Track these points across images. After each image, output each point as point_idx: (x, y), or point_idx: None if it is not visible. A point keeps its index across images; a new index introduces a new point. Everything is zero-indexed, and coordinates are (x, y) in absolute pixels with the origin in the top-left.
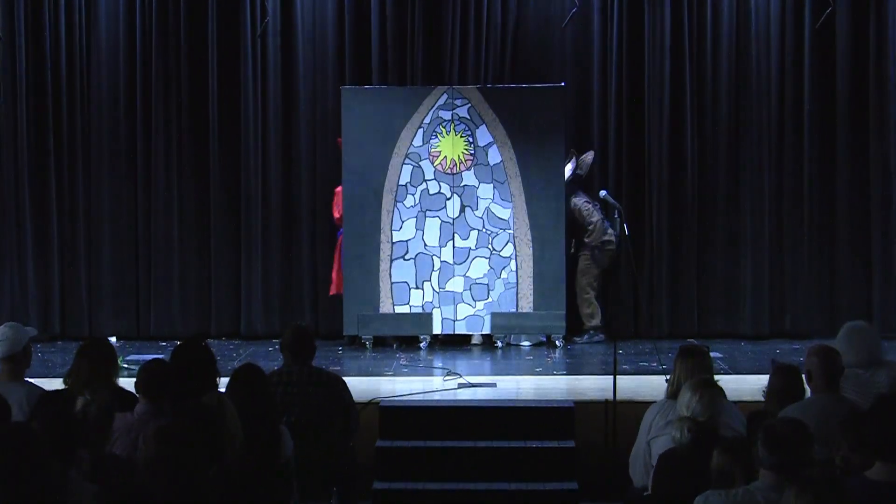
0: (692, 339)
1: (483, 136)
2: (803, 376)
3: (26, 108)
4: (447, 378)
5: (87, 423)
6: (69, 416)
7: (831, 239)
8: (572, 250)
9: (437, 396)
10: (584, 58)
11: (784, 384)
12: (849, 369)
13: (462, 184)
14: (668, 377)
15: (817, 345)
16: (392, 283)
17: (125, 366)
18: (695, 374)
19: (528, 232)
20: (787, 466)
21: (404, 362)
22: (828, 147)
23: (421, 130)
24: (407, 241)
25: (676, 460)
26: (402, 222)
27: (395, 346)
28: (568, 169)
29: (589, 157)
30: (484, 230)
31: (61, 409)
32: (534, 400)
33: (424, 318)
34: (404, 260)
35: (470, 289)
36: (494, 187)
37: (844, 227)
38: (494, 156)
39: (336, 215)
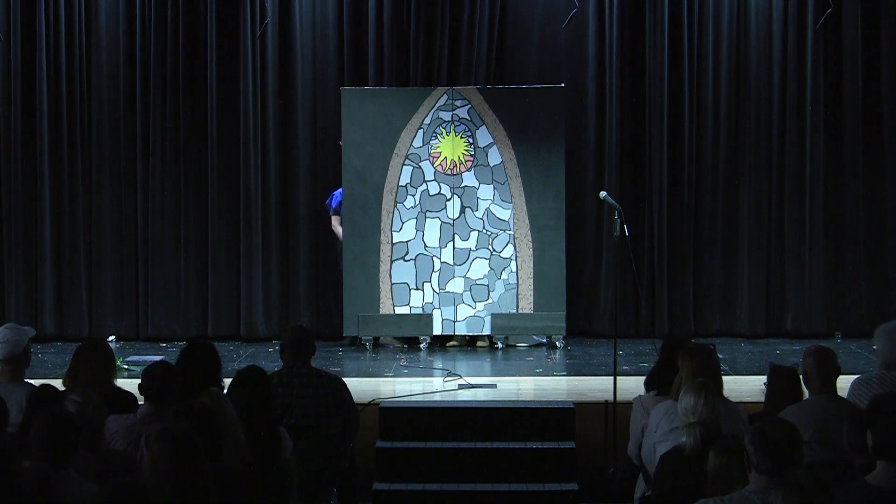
0: (694, 339)
1: (483, 136)
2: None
3: (25, 109)
4: (447, 379)
5: (83, 424)
6: (67, 416)
7: (832, 239)
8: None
9: (437, 397)
10: (582, 58)
11: (782, 386)
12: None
13: (462, 185)
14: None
15: (813, 346)
16: (392, 284)
17: (125, 367)
18: (702, 373)
19: (529, 233)
20: (779, 468)
21: (404, 363)
22: (830, 147)
23: (421, 131)
24: (407, 241)
25: (678, 461)
26: (403, 223)
27: (402, 347)
28: None
29: None
30: (484, 231)
31: (58, 409)
32: (534, 401)
33: (425, 319)
34: (404, 261)
35: (470, 290)
36: (494, 188)
37: (847, 227)
38: (494, 157)
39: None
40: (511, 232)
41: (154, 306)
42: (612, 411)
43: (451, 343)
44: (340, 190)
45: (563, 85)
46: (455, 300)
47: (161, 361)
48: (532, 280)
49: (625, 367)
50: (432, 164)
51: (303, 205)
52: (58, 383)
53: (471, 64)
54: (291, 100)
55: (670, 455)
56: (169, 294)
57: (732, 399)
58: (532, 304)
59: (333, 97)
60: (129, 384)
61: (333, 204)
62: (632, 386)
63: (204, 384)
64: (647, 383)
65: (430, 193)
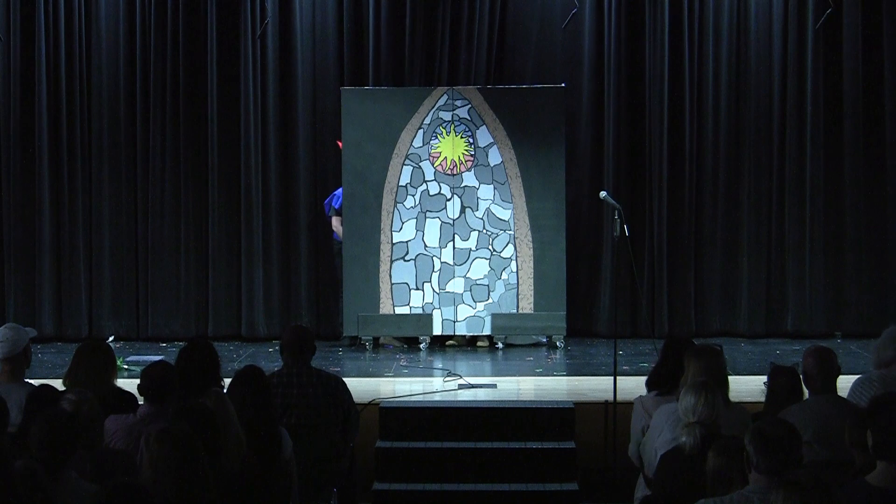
0: (695, 340)
1: (483, 136)
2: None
3: (26, 109)
4: (447, 379)
5: (81, 423)
6: (66, 416)
7: (832, 239)
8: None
9: (437, 397)
10: (582, 58)
11: (782, 386)
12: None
13: (462, 185)
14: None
15: (813, 346)
16: (392, 284)
17: (125, 367)
18: (708, 374)
19: (529, 233)
20: (778, 469)
21: (404, 363)
22: (830, 147)
23: (421, 131)
24: (407, 241)
25: (678, 461)
26: (403, 223)
27: (402, 346)
28: None
29: None
30: (484, 231)
31: (57, 409)
32: (534, 401)
33: (425, 319)
34: (404, 261)
35: (470, 290)
36: (495, 188)
37: (847, 227)
38: (495, 157)
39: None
40: (511, 232)
41: (154, 306)
42: (612, 411)
43: (450, 342)
44: (341, 190)
45: (563, 85)
46: (455, 300)
47: (160, 361)
48: (532, 280)
49: (625, 367)
50: (432, 164)
51: (303, 205)
52: (58, 383)
53: (471, 64)
54: (291, 100)
55: (670, 455)
56: (169, 294)
57: (732, 399)
58: (532, 304)
59: (333, 97)
60: (129, 384)
61: (335, 204)
62: (632, 386)
63: (203, 384)
64: (648, 384)
65: (430, 193)
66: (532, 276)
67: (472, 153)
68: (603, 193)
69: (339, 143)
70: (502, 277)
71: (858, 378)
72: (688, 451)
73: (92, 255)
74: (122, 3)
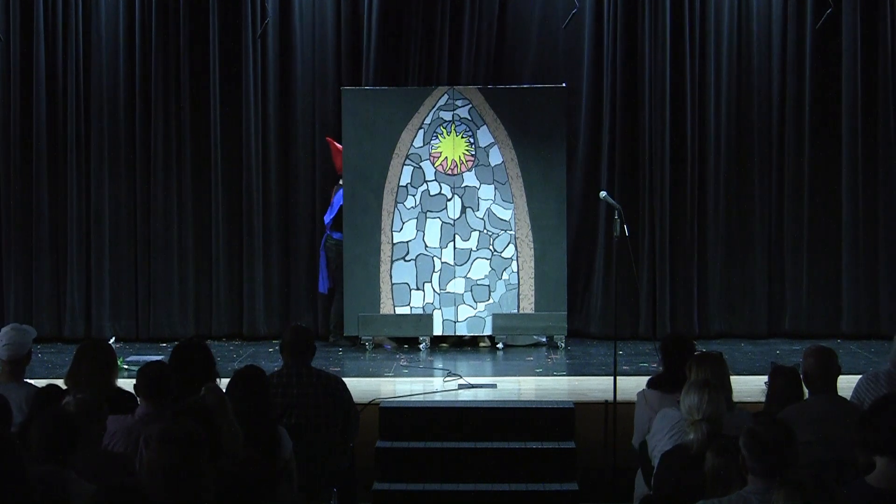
0: (695, 340)
1: (484, 136)
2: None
3: (25, 108)
4: (447, 379)
5: (83, 423)
6: (66, 416)
7: (832, 239)
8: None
9: (437, 397)
10: (581, 58)
11: (782, 386)
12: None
13: (463, 185)
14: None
15: (813, 346)
16: (393, 285)
17: (125, 367)
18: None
19: (530, 233)
20: (774, 469)
21: (404, 363)
22: (830, 147)
23: (421, 131)
24: (407, 242)
25: (679, 460)
26: (403, 223)
27: (402, 347)
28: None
29: None
30: (485, 231)
31: (57, 409)
32: (534, 401)
33: (425, 320)
34: (405, 261)
35: (471, 290)
36: (495, 188)
37: (846, 227)
38: (496, 156)
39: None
40: (512, 232)
41: (154, 306)
42: (612, 411)
43: (443, 344)
44: (341, 191)
45: (563, 85)
46: (456, 300)
47: (156, 361)
48: (533, 280)
49: (625, 367)
50: (433, 164)
51: (303, 205)
52: (58, 383)
53: (471, 64)
54: (291, 99)
55: (672, 454)
56: (169, 294)
57: (733, 399)
58: (533, 305)
59: (333, 97)
60: (130, 384)
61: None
62: (632, 386)
63: (199, 382)
64: (649, 384)
65: (431, 193)
66: (533, 276)
67: (473, 153)
68: (603, 193)
69: (329, 140)
70: (503, 278)
71: (865, 375)
72: (695, 448)
73: (92, 254)
74: (122, 3)
